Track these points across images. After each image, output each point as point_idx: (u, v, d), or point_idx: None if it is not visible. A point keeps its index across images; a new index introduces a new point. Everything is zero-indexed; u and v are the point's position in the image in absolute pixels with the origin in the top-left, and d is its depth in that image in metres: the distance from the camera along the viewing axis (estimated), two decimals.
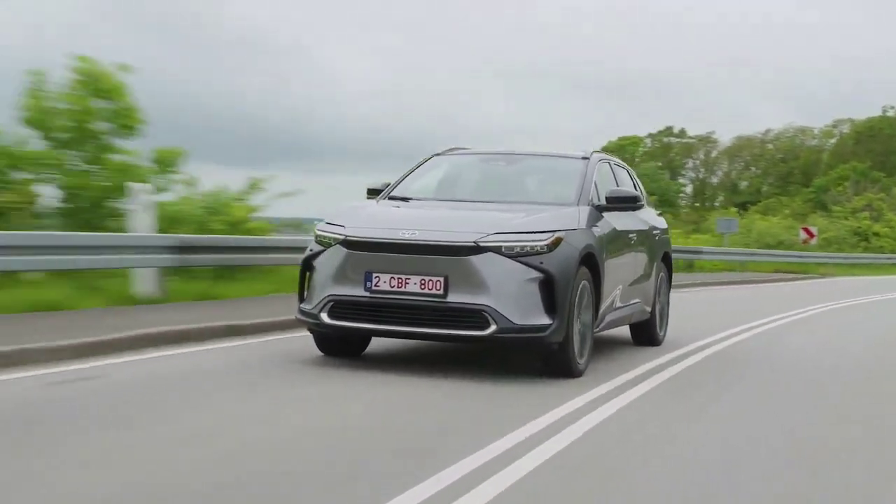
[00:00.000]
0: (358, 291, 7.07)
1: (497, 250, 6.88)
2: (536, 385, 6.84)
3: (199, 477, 4.15)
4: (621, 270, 8.38)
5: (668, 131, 69.66)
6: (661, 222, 10.15)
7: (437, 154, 9.00)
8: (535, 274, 6.90)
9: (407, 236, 6.99)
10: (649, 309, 9.41)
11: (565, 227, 7.23)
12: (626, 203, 8.26)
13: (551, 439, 5.05)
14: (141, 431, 4.97)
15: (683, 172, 69.57)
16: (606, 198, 8.17)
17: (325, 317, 7.18)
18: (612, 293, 8.16)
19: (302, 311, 7.42)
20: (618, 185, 8.82)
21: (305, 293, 7.44)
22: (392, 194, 8.37)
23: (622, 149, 68.85)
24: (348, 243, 7.17)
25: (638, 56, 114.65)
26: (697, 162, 69.44)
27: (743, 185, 67.33)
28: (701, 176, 69.36)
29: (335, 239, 7.26)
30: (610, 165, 9.00)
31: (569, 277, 7.01)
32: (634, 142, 69.56)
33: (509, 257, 6.89)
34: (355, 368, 7.23)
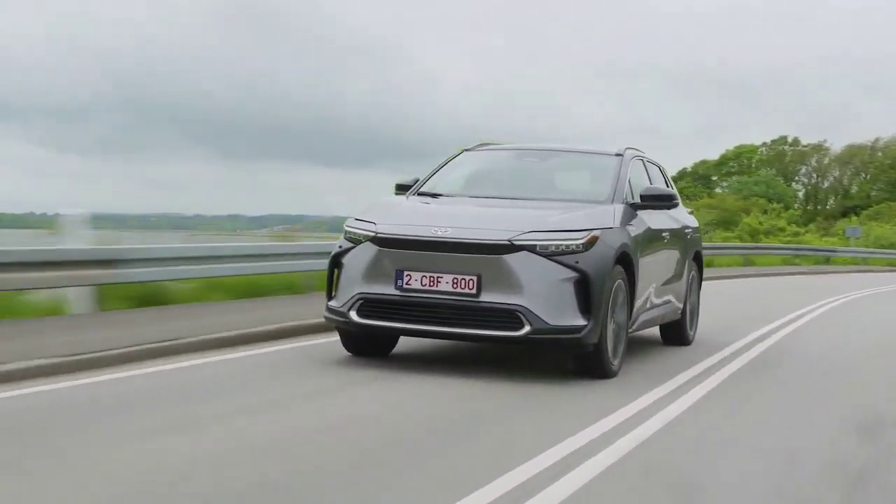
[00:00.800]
0: (388, 290, 6.91)
1: (532, 249, 6.71)
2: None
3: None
4: (655, 270, 8.20)
5: (782, 140, 75.12)
6: (693, 221, 9.96)
7: (467, 149, 8.82)
8: (571, 273, 6.73)
9: (440, 234, 6.83)
10: (681, 308, 9.22)
11: (601, 225, 7.06)
12: (661, 201, 8.07)
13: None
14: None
15: (797, 178, 75.03)
16: (641, 196, 7.98)
17: (354, 315, 7.03)
18: (646, 293, 7.98)
19: (330, 309, 7.26)
20: (651, 183, 8.65)
21: (334, 291, 7.28)
22: (421, 190, 8.21)
23: (739, 156, 73.65)
24: (379, 240, 7.00)
25: (743, 53, 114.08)
26: (810, 168, 74.80)
27: (853, 189, 72.48)
28: (813, 181, 74.86)
29: (365, 236, 7.10)
30: (643, 162, 8.81)
31: (604, 277, 6.84)
32: (751, 150, 74.54)
33: (544, 256, 6.72)
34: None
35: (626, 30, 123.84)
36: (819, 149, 73.80)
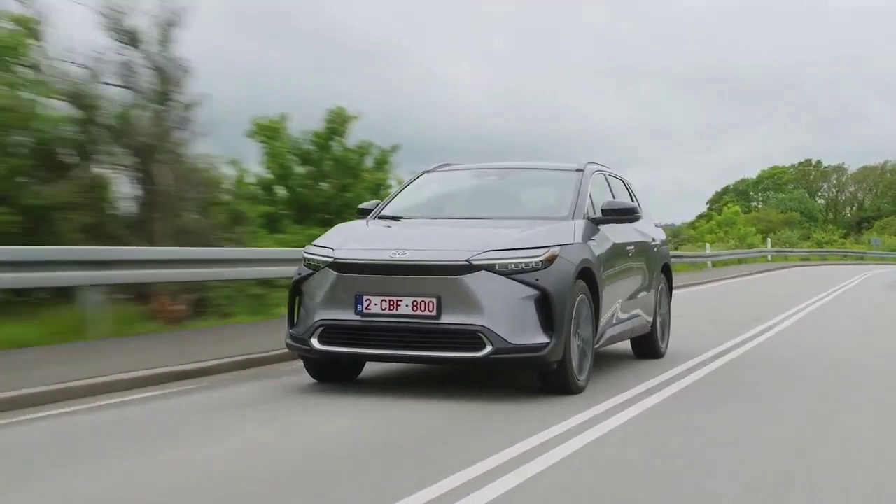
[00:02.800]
0: (348, 315, 6.85)
1: (490, 268, 6.67)
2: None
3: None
4: (620, 284, 8.17)
5: (807, 163, 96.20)
6: (660, 233, 9.94)
7: (428, 171, 8.80)
8: (531, 291, 6.68)
9: (397, 257, 6.78)
10: (650, 322, 9.19)
11: (560, 241, 7.02)
12: (622, 215, 8.05)
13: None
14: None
15: (820, 194, 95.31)
16: (602, 210, 7.96)
17: (315, 342, 6.97)
18: (612, 308, 7.94)
19: (292, 337, 7.21)
20: (613, 196, 8.63)
21: (295, 318, 7.23)
22: (382, 213, 8.18)
23: (773, 176, 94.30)
24: (337, 266, 6.95)
25: (748, 54, 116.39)
26: (830, 185, 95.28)
27: (866, 203, 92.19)
28: (832, 195, 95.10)
29: (324, 262, 7.05)
30: (605, 176, 8.79)
31: (565, 293, 6.80)
32: (782, 170, 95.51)
33: (503, 275, 6.67)
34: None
35: (632, 31, 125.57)
36: (838, 169, 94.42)
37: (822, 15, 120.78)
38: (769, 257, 49.26)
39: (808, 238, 72.30)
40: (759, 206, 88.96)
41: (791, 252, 55.59)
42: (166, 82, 12.61)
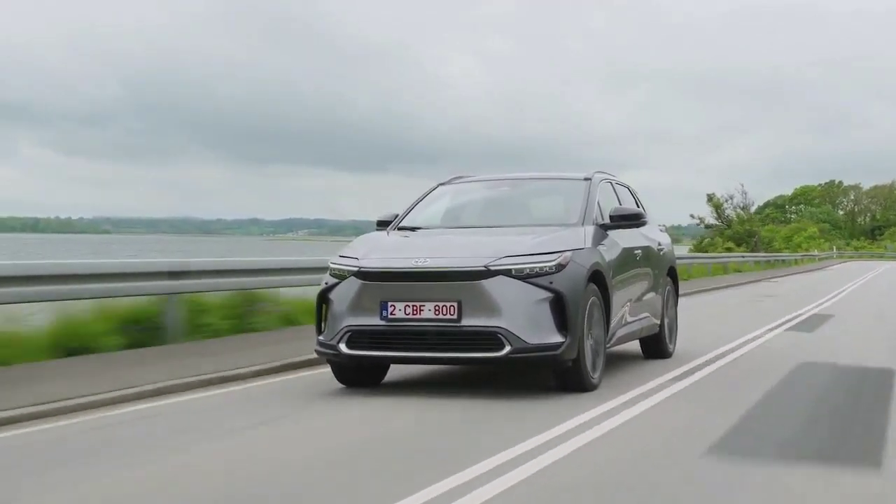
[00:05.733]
0: (374, 321, 7.26)
1: (507, 273, 7.08)
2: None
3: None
4: (629, 286, 8.57)
5: (831, 183, 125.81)
6: (665, 237, 10.34)
7: (442, 184, 9.22)
8: (546, 294, 7.09)
9: (420, 264, 7.20)
10: (658, 323, 9.58)
11: (572, 246, 7.43)
12: (629, 220, 8.47)
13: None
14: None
15: (841, 207, 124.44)
16: (610, 216, 8.37)
17: (343, 347, 7.37)
18: (622, 309, 8.34)
19: (320, 343, 7.60)
20: (620, 203, 9.04)
21: (323, 325, 7.63)
22: (401, 225, 8.60)
23: (804, 193, 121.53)
24: (362, 274, 7.37)
25: (748, 57, 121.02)
26: (849, 200, 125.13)
27: (878, 215, 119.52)
28: (850, 208, 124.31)
29: (349, 271, 7.46)
30: (612, 184, 9.21)
31: (578, 295, 7.21)
32: (812, 188, 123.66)
33: (520, 279, 7.08)
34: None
35: (633, 35, 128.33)
36: (855, 187, 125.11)
37: (822, 17, 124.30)
38: (835, 255, 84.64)
39: (848, 244, 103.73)
40: (794, 217, 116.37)
41: (843, 253, 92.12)
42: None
